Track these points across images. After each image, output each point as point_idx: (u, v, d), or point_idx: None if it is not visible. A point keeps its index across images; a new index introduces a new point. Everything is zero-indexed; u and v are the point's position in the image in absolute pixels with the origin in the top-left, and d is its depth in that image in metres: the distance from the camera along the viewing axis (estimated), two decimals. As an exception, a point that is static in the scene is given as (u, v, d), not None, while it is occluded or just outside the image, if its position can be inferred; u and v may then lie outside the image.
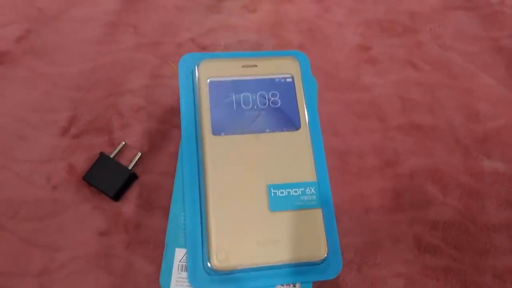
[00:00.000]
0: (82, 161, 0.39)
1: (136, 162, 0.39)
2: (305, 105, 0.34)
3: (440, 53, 0.48)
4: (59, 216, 0.38)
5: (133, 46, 0.45)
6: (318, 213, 0.31)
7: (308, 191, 0.31)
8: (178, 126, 0.41)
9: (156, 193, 0.38)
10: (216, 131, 0.32)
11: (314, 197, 0.31)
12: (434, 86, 0.47)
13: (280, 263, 0.30)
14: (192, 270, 0.30)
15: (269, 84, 0.34)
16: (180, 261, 0.31)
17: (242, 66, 0.34)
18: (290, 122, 0.33)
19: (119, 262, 0.36)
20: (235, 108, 0.33)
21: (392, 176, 0.41)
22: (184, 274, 0.31)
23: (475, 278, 0.39)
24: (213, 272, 0.30)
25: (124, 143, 0.39)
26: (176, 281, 0.31)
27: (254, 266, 0.29)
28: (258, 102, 0.34)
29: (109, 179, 0.37)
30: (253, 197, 0.31)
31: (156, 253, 0.36)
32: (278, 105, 0.34)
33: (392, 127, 0.43)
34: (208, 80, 0.34)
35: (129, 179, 0.38)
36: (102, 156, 0.38)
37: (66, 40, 0.45)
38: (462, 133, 0.44)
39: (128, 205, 0.38)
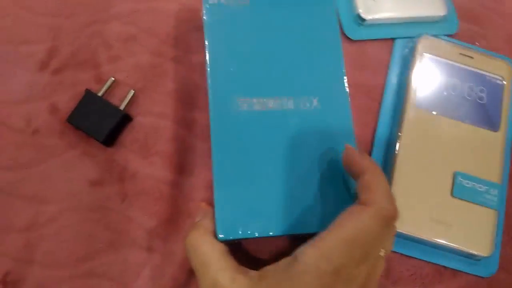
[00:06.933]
0: (66, 100, 0.34)
1: (129, 101, 0.33)
2: (508, 111, 0.35)
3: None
4: (43, 164, 0.33)
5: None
6: (494, 214, 0.32)
7: (492, 191, 0.33)
8: (176, 59, 0.35)
9: (153, 137, 0.33)
10: (419, 104, 0.34)
11: (495, 198, 0.32)
12: (476, 10, 0.40)
13: (445, 245, 0.31)
14: None
15: (480, 79, 0.35)
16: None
17: (460, 54, 0.36)
18: (490, 121, 0.34)
19: (115, 215, 0.32)
20: (442, 89, 0.35)
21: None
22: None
23: None
24: None
25: (113, 79, 0.33)
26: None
27: (420, 237, 0.31)
28: (465, 92, 0.35)
29: (97, 121, 0.32)
30: (438, 177, 0.33)
31: (157, 206, 0.32)
32: (483, 101, 0.35)
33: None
34: (424, 55, 0.35)
35: (122, 121, 0.32)
36: (89, 94, 0.32)
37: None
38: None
39: (122, 151, 0.33)
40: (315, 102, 0.29)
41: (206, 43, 0.29)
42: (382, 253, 0.24)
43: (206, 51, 0.29)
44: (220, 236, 0.26)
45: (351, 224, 0.22)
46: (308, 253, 0.22)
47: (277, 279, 0.22)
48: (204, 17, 0.30)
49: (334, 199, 0.28)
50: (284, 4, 0.31)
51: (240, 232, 0.26)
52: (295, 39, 0.30)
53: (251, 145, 0.28)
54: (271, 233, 0.26)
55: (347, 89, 0.30)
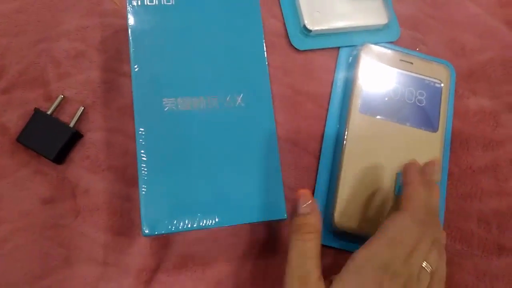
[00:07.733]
0: (15, 120, 0.34)
1: (79, 118, 0.33)
2: (446, 112, 0.37)
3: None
4: (-6, 184, 0.33)
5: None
6: None
7: None
8: (127, 74, 0.35)
9: (105, 152, 0.33)
10: (363, 110, 0.35)
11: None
12: (417, 17, 0.42)
13: None
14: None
15: (420, 83, 0.37)
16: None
17: (400, 60, 0.37)
18: (430, 123, 0.36)
19: (69, 232, 0.32)
20: (384, 94, 0.36)
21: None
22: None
23: (459, 224, 0.37)
24: (332, 227, 0.34)
25: (62, 96, 0.34)
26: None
27: (367, 234, 0.33)
28: (406, 96, 0.37)
29: (47, 139, 0.32)
30: (381, 178, 0.34)
31: (110, 221, 0.32)
32: (423, 104, 0.37)
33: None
34: (366, 63, 0.37)
35: (72, 139, 0.33)
36: (37, 113, 0.32)
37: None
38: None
39: (74, 168, 0.33)
40: (239, 100, 0.30)
41: (131, 44, 0.29)
42: (428, 269, 0.27)
43: (131, 53, 0.29)
44: (146, 231, 0.27)
45: (391, 225, 0.27)
46: (360, 252, 0.26)
47: (343, 279, 0.26)
48: (128, 18, 0.30)
49: (258, 191, 0.29)
50: (209, 4, 0.31)
51: (166, 227, 0.27)
52: (219, 39, 0.31)
53: (177, 142, 0.29)
54: (195, 227, 0.28)
55: (270, 87, 0.31)
